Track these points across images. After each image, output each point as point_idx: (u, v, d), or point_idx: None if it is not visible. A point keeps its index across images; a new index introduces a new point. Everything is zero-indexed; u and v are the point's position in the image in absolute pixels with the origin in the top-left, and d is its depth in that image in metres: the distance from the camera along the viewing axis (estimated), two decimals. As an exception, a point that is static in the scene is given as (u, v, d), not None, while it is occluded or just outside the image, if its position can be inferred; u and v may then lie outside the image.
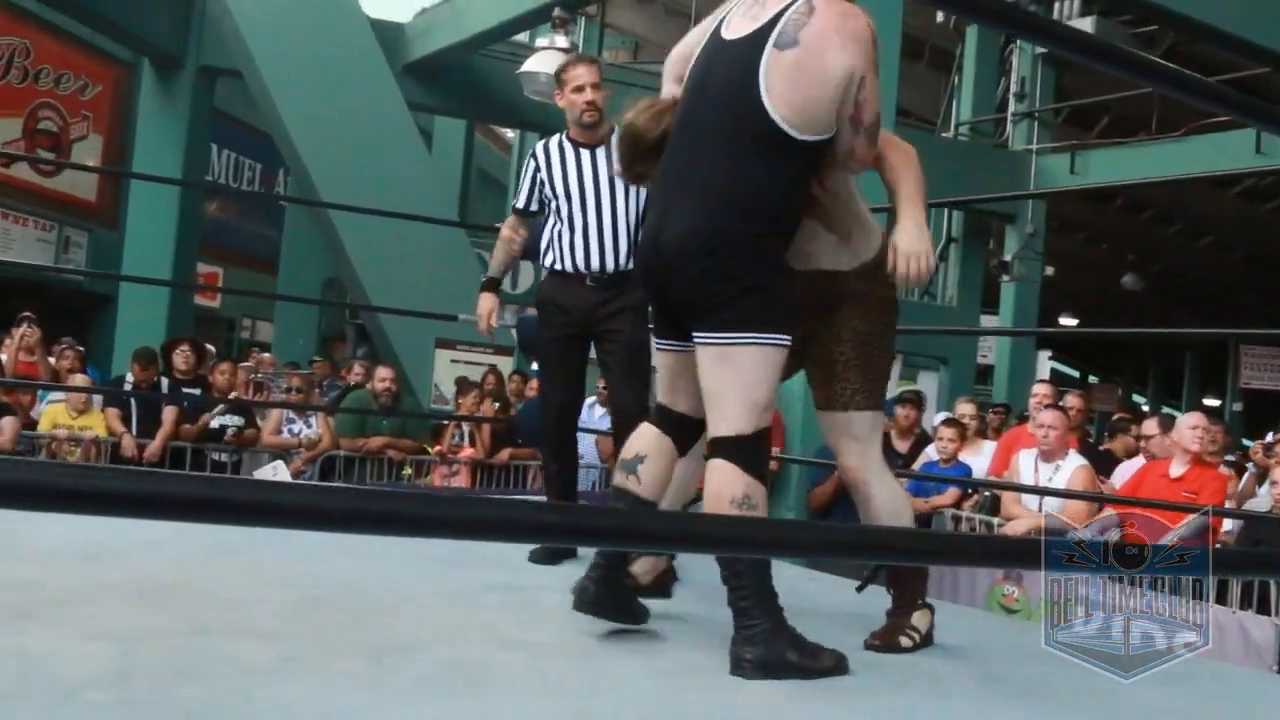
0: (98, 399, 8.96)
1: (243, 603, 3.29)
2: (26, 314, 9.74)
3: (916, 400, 8.68)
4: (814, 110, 2.99)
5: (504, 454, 9.41)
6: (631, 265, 4.45)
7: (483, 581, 3.88)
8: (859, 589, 3.73)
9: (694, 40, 3.34)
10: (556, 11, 11.62)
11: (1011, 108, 17.39)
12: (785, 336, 3.05)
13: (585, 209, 4.63)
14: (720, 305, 3.00)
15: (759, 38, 3.00)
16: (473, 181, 19.32)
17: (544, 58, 11.36)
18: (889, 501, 3.42)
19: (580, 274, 4.61)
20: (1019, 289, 16.93)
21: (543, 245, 4.75)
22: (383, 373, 9.34)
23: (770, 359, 3.03)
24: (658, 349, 3.36)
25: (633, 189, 4.53)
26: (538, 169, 4.76)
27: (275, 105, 11.05)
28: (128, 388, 9.05)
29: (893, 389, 14.98)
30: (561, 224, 4.66)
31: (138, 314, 12.57)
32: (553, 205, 4.70)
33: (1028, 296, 17.04)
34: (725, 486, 2.97)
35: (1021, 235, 16.83)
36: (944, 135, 17.78)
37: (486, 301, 4.93)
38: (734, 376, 3.01)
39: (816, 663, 3.02)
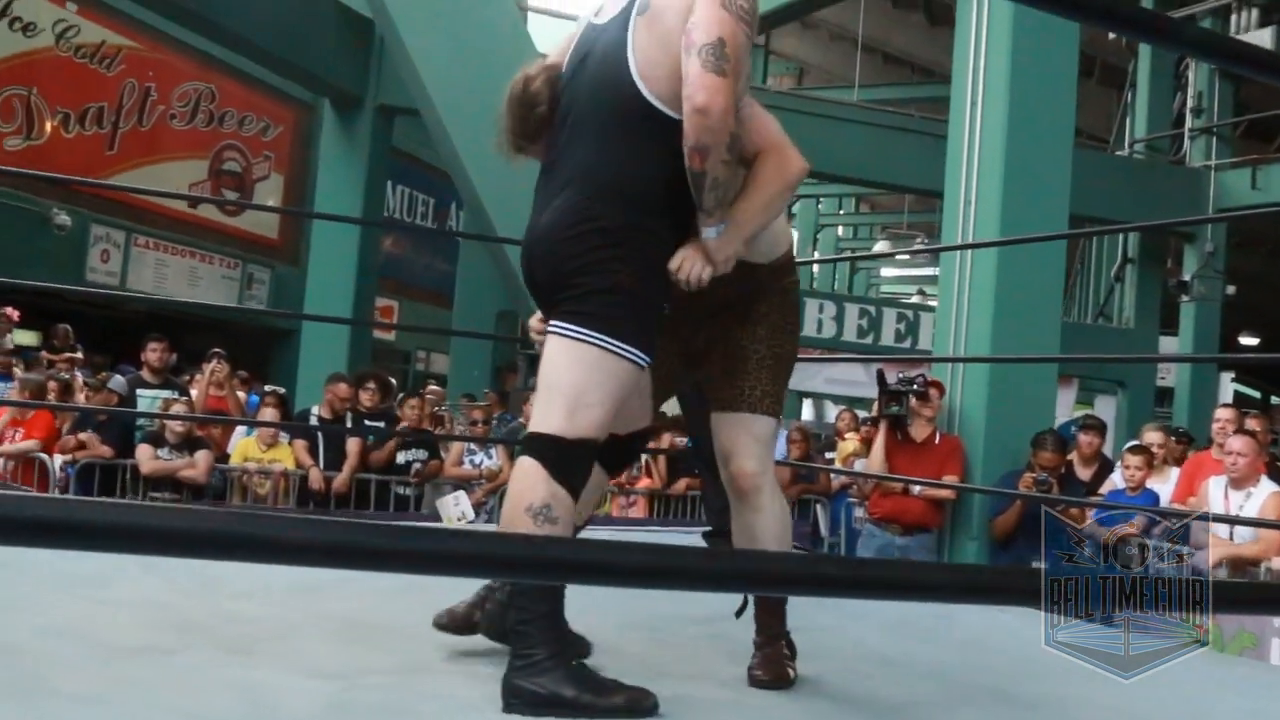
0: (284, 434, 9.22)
1: (448, 642, 3.35)
2: (216, 350, 10.04)
3: (1099, 426, 8.50)
4: (676, 73, 2.72)
5: (680, 484, 9.44)
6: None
7: (673, 614, 3.90)
8: (737, 615, 3.37)
9: (566, 38, 3.12)
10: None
11: (1189, 123, 17.00)
12: (643, 356, 2.79)
13: None
14: (580, 295, 2.77)
15: (624, 13, 2.83)
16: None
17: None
18: (779, 519, 3.17)
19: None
20: (1199, 309, 16.52)
21: None
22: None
23: (618, 372, 2.77)
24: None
25: None
26: None
27: (452, 142, 11.26)
28: (314, 420, 9.28)
29: (1068, 413, 14.76)
30: None
31: (320, 348, 12.89)
32: None
33: (1208, 316, 16.61)
34: (527, 491, 2.71)
35: (1201, 254, 16.44)
36: (1118, 154, 17.44)
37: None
38: (571, 373, 2.75)
39: (602, 700, 2.70)
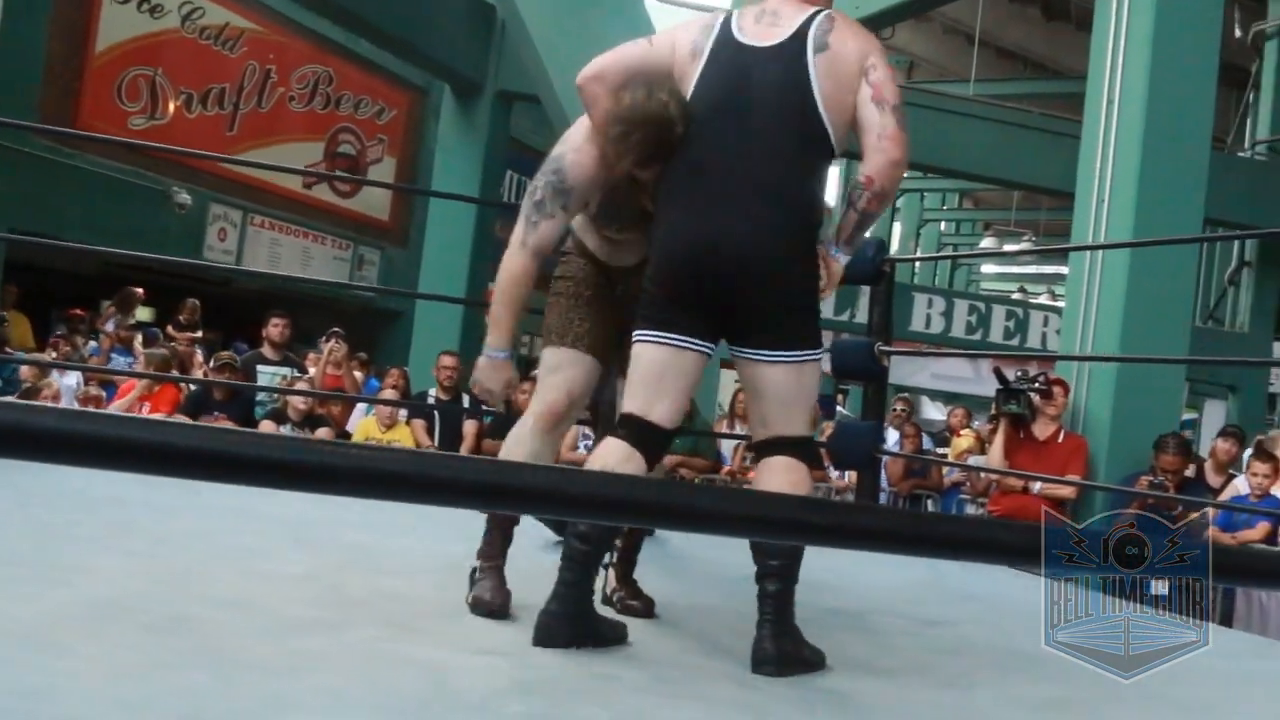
0: (402, 413, 9.32)
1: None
2: (336, 330, 10.17)
3: (1238, 434, 8.37)
4: (846, 114, 3.07)
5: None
6: None
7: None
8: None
9: (684, 48, 3.20)
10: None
11: (1313, 125, 16.66)
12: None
13: None
14: (799, 323, 3.13)
15: (795, 44, 3.07)
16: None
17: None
18: None
19: None
20: (1317, 314, 16.20)
21: None
22: (674, 389, 9.43)
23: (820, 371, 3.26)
24: (668, 344, 3.12)
25: None
26: None
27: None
28: (431, 400, 9.38)
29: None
30: None
31: (433, 330, 13.00)
32: None
33: (1326, 322, 16.29)
34: (802, 483, 3.15)
35: (1322, 259, 16.12)
36: (1240, 154, 17.12)
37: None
38: (802, 389, 3.14)
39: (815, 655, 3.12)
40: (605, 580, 3.53)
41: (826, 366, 4.50)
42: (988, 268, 35.45)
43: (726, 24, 3.17)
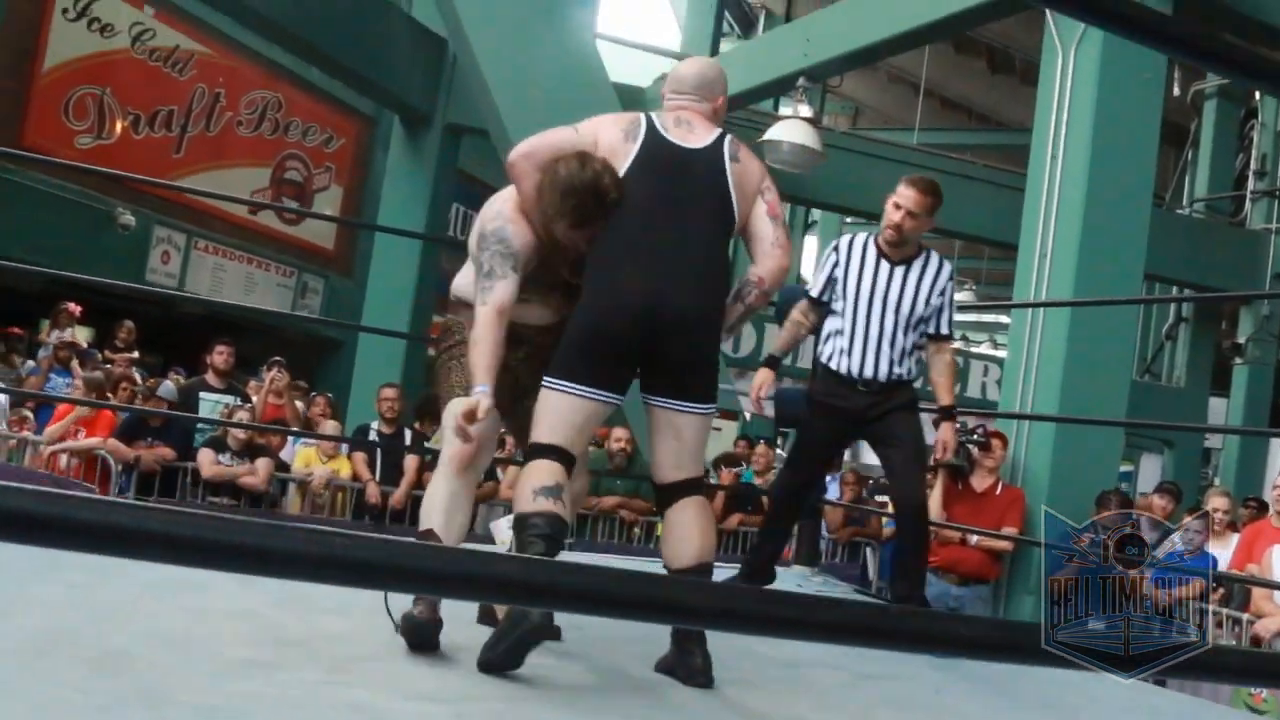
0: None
1: (542, 665, 3.36)
2: (277, 359, 10.12)
3: (1174, 491, 8.46)
4: (744, 218, 3.70)
5: (733, 519, 9.46)
6: (898, 373, 4.94)
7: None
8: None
9: (612, 135, 3.65)
10: (801, 81, 11.70)
11: (1251, 185, 16.90)
12: None
13: (870, 319, 4.92)
14: (709, 379, 3.62)
15: (714, 151, 3.65)
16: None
17: (788, 127, 11.46)
18: None
19: (853, 379, 4.93)
20: (1252, 372, 16.37)
21: (821, 337, 5.09)
22: (619, 433, 9.49)
23: None
24: (590, 399, 3.54)
25: (907, 299, 4.94)
26: (836, 264, 5.04)
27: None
28: (374, 436, 9.34)
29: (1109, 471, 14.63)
30: (844, 325, 4.97)
31: (375, 361, 12.92)
32: (840, 304, 5.00)
33: (1261, 380, 16.45)
34: (710, 514, 3.72)
35: (1257, 318, 16.31)
36: (1178, 212, 17.36)
37: (764, 375, 5.07)
38: (703, 435, 3.65)
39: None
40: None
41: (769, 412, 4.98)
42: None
43: (650, 122, 3.67)
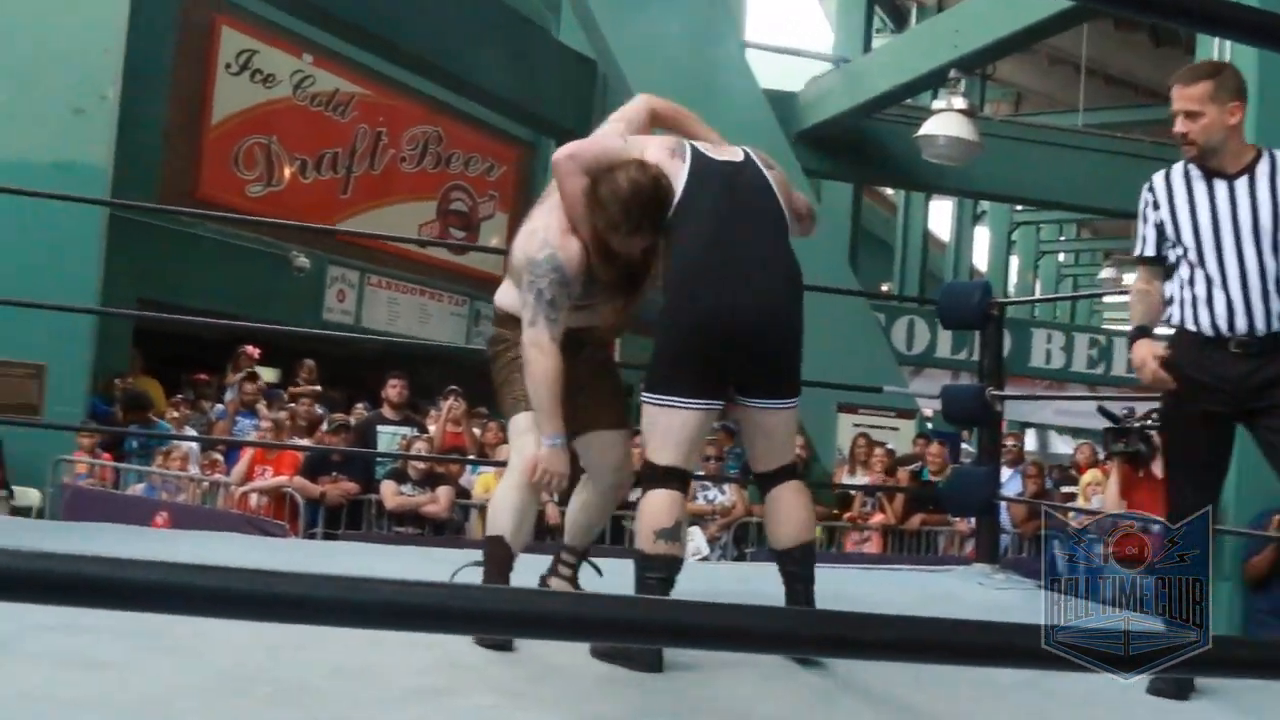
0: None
1: (713, 683, 3.37)
2: (453, 388, 10.30)
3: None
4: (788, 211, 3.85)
5: (915, 519, 9.36)
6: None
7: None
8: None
9: (660, 150, 3.71)
10: (953, 73, 11.56)
11: None
12: None
13: (1223, 252, 3.73)
14: (796, 376, 3.74)
15: (751, 163, 3.79)
16: (859, 243, 19.35)
17: (943, 120, 11.35)
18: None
19: (1224, 338, 3.72)
20: None
21: (1167, 299, 3.91)
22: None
23: None
24: (696, 409, 3.63)
25: (1264, 214, 3.68)
26: (1156, 204, 3.89)
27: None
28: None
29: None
30: (1192, 271, 3.78)
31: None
32: (1179, 251, 3.83)
33: None
34: (807, 496, 3.88)
35: None
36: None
37: (1145, 348, 3.83)
38: (794, 426, 3.86)
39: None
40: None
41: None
42: (1110, 298, 34.69)
43: (691, 145, 3.76)
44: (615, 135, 3.82)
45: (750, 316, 3.58)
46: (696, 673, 3.45)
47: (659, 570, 3.52)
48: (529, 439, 3.71)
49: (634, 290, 3.87)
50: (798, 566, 3.73)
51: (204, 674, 2.99)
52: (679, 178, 3.65)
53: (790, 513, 3.75)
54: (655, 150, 3.70)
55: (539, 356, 3.62)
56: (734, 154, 3.80)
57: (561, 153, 3.69)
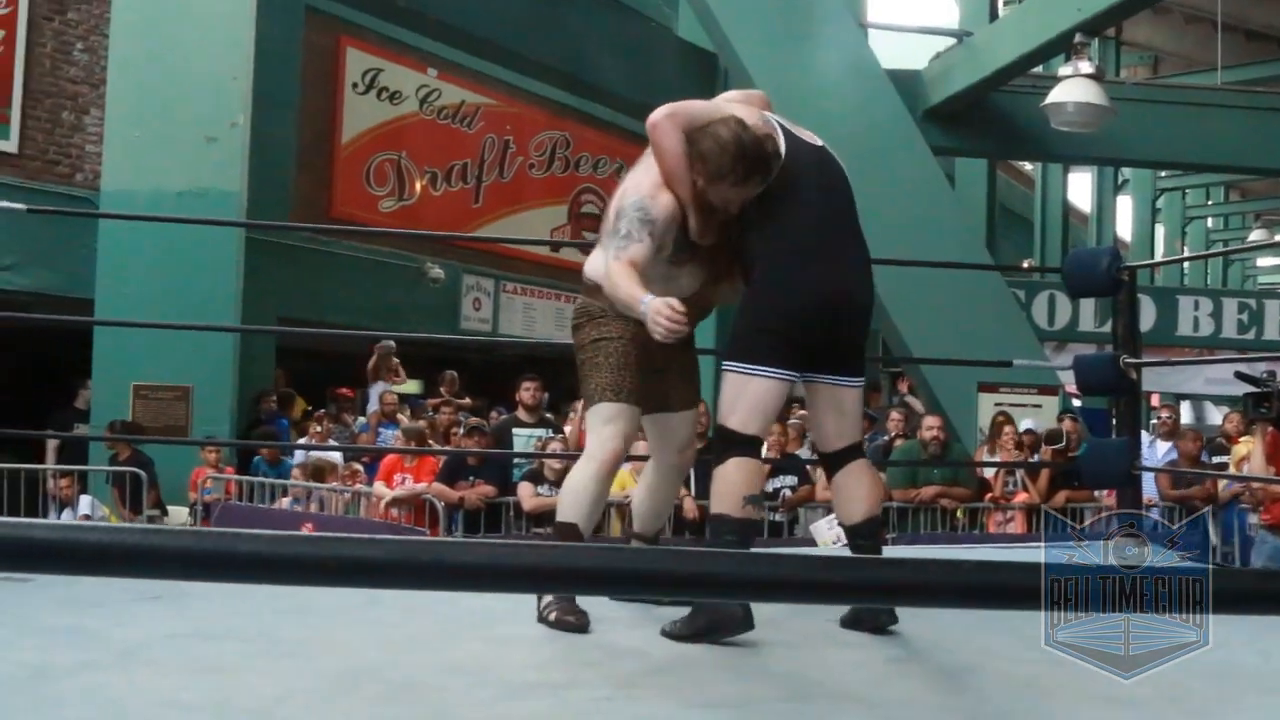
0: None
1: (824, 663, 3.33)
2: (588, 387, 10.32)
3: None
4: None
5: (1059, 497, 9.15)
6: None
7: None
8: None
9: (754, 117, 3.68)
10: (1078, 38, 11.29)
11: None
12: None
13: None
14: (863, 355, 3.95)
15: (826, 149, 3.81)
16: (997, 220, 19.02)
17: (1070, 86, 11.08)
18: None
19: None
20: None
21: None
22: (930, 421, 9.36)
23: None
24: (782, 379, 3.66)
25: None
26: None
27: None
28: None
29: None
30: None
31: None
32: None
33: None
34: (876, 474, 4.06)
35: None
36: None
37: None
38: (861, 404, 3.96)
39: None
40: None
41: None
42: (1264, 260, 33.71)
43: (778, 121, 3.77)
44: (705, 101, 3.84)
45: (846, 299, 3.69)
46: (804, 651, 3.42)
47: (741, 534, 3.55)
48: (610, 430, 3.74)
49: (719, 266, 3.84)
50: (868, 540, 3.79)
51: (316, 675, 3.02)
52: (779, 143, 3.65)
53: (862, 489, 3.80)
54: (748, 113, 3.68)
55: (612, 264, 3.62)
56: (812, 137, 3.82)
57: (660, 112, 3.66)
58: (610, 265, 3.63)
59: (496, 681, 3.06)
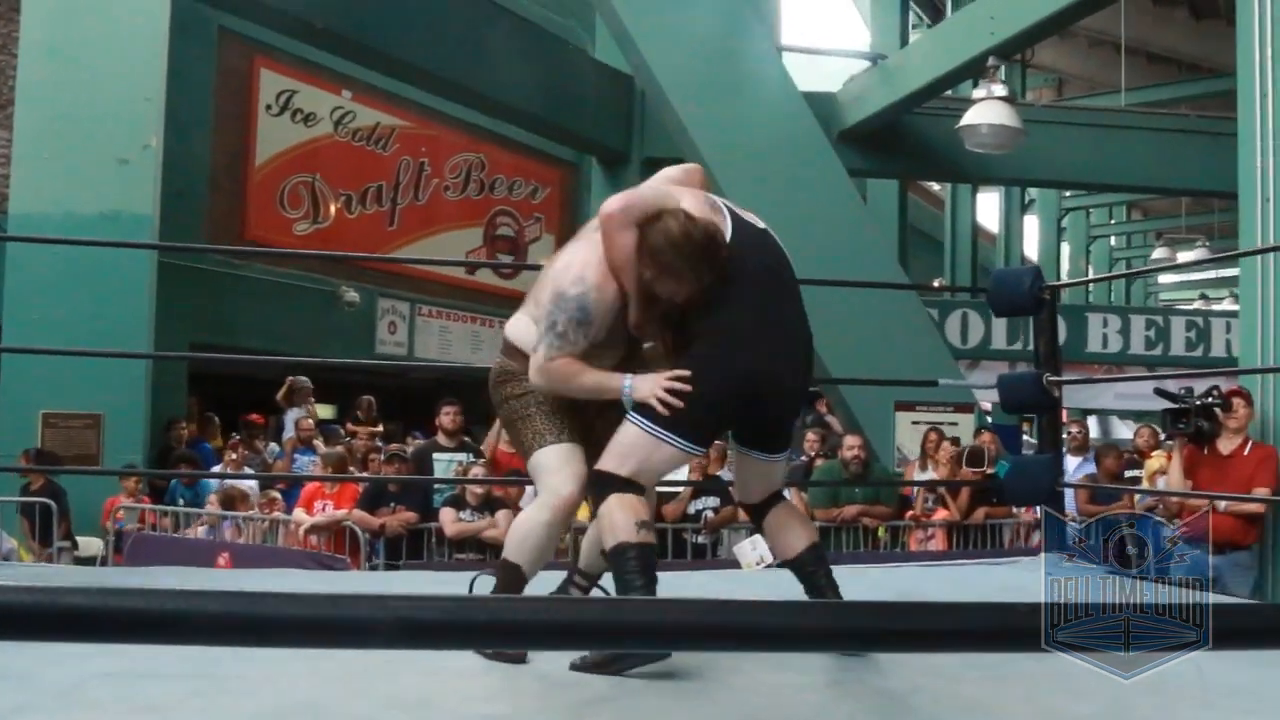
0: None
1: (767, 687, 3.32)
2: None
3: None
4: None
5: (979, 513, 9.24)
6: None
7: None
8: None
9: (702, 202, 3.65)
10: (990, 60, 11.45)
11: None
12: None
13: None
14: (792, 431, 4.10)
15: (769, 231, 3.77)
16: (908, 240, 19.20)
17: (984, 109, 11.22)
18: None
19: None
20: None
21: None
22: (851, 441, 9.41)
23: None
24: (690, 454, 3.77)
25: None
26: None
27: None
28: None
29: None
30: None
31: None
32: None
33: None
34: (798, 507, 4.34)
35: None
36: None
37: None
38: (785, 469, 4.14)
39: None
40: None
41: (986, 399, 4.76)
42: (1165, 278, 34.38)
43: (725, 203, 3.74)
44: (657, 188, 3.76)
45: (784, 383, 3.71)
46: (746, 677, 3.41)
47: (640, 561, 3.48)
48: (560, 477, 3.68)
49: (637, 343, 3.83)
50: (816, 566, 3.84)
51: (260, 712, 2.96)
52: (725, 231, 3.61)
53: (795, 521, 3.94)
54: (691, 203, 3.62)
55: (550, 367, 3.59)
56: (756, 220, 3.80)
57: (614, 204, 3.61)
58: (548, 367, 3.60)
59: (440, 715, 3.03)
